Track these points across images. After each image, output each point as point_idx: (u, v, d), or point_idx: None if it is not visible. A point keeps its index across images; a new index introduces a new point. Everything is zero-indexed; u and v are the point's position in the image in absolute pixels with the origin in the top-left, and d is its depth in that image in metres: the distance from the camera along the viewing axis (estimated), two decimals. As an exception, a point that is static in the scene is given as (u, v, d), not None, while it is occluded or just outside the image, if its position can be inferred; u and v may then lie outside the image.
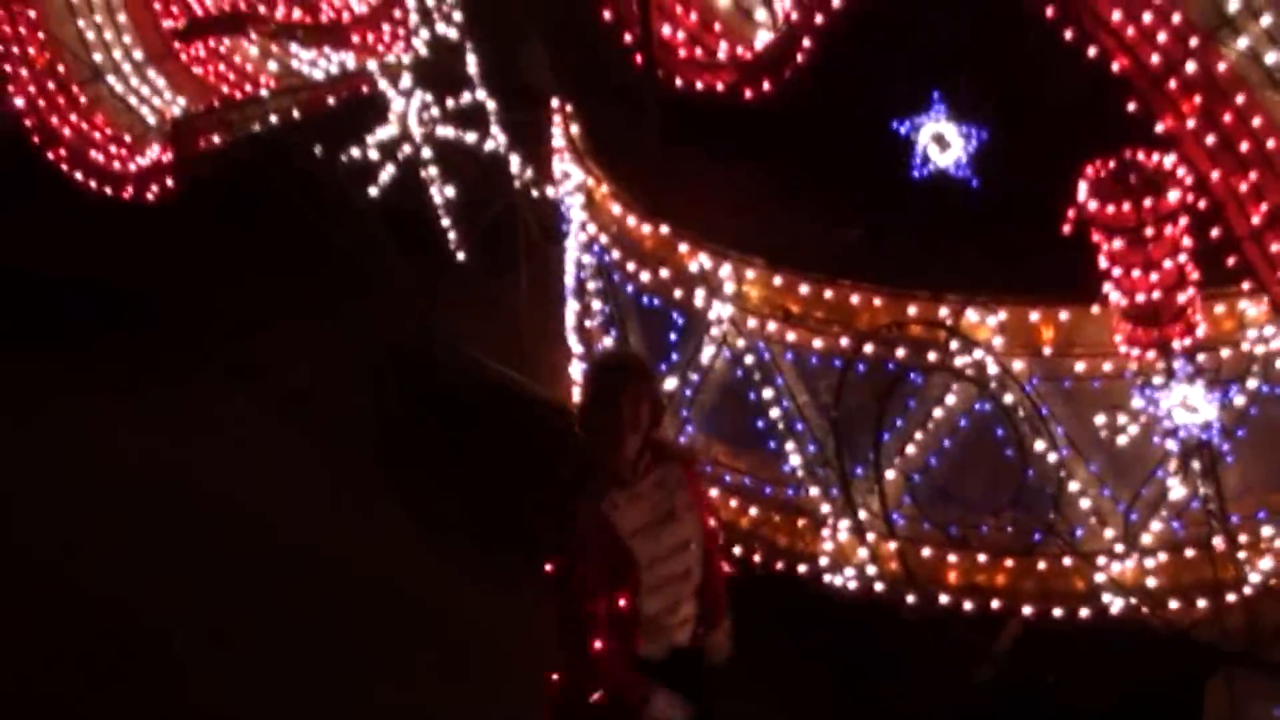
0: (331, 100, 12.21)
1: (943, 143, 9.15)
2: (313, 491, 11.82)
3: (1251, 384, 9.22)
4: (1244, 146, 8.89)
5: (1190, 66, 8.86)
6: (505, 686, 9.90)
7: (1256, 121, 8.92)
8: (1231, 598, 9.49)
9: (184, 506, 11.78)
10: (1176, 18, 8.88)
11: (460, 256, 11.47)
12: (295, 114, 12.38)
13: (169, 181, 12.35)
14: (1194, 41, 8.88)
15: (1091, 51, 8.86)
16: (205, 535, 11.52)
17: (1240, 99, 8.92)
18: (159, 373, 12.90)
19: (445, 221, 11.33)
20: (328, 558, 11.19)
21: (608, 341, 10.57)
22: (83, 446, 12.37)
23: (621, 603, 7.90)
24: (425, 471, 11.58)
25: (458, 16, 10.75)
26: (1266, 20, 9.04)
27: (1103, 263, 8.67)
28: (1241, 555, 9.46)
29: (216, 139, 12.45)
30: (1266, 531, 9.50)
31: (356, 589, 10.91)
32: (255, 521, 11.58)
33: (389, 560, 11.06)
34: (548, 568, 7.84)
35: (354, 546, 11.25)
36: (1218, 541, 9.39)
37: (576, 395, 9.41)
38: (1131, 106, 8.86)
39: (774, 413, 9.88)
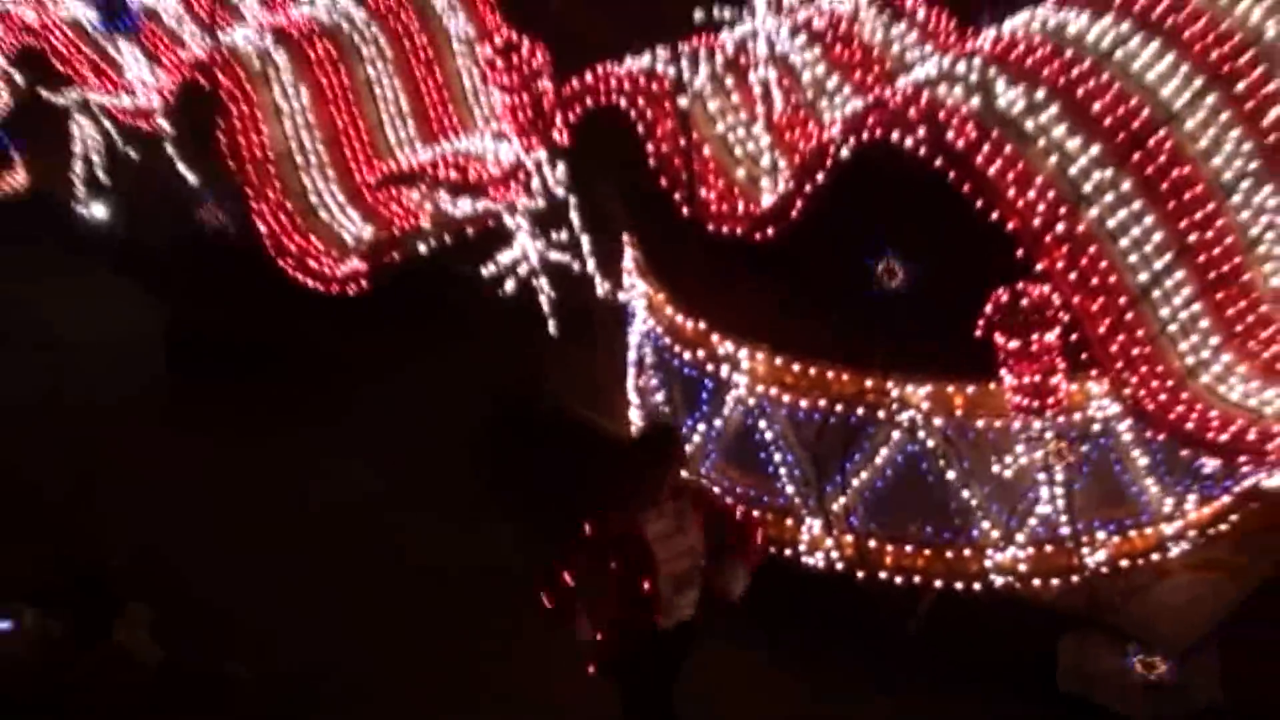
0: (470, 231, 12.22)
1: (893, 273, 9.11)
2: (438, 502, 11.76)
3: (1094, 437, 9.27)
4: (1094, 281, 8.91)
5: (1060, 227, 8.88)
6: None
7: (1102, 264, 8.95)
8: (1076, 579, 9.52)
9: (332, 516, 11.68)
10: (1050, 194, 8.91)
11: (556, 334, 11.19)
12: (447, 240, 12.44)
13: (363, 283, 12.39)
14: (1062, 210, 8.91)
15: (994, 215, 8.89)
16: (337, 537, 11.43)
17: (1092, 249, 8.94)
18: (341, 402, 12.84)
19: (548, 311, 11.15)
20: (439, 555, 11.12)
21: (659, 396, 10.55)
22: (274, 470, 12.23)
23: (645, 585, 8.15)
24: (527, 486, 11.48)
25: (562, 177, 10.62)
26: (1109, 198, 9.09)
27: (1000, 356, 8.69)
28: (1084, 549, 9.49)
29: (395, 255, 12.54)
30: (1100, 535, 9.53)
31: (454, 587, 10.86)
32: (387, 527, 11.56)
33: (486, 565, 10.94)
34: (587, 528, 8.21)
35: (461, 549, 11.16)
36: (1069, 540, 9.44)
37: (633, 441, 9.39)
38: (1020, 253, 8.86)
39: (773, 448, 9.89)
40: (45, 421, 12.91)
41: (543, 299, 11.30)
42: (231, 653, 9.90)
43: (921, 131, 9.01)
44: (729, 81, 10.35)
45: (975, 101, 9.15)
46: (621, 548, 8.15)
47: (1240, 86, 9.76)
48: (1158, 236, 9.18)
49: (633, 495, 8.24)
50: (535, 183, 10.88)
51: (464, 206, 11.98)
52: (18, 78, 14.50)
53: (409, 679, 10.12)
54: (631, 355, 10.87)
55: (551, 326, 11.37)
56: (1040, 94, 9.25)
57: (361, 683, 10.10)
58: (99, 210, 14.35)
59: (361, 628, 10.52)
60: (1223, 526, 9.75)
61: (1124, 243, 9.08)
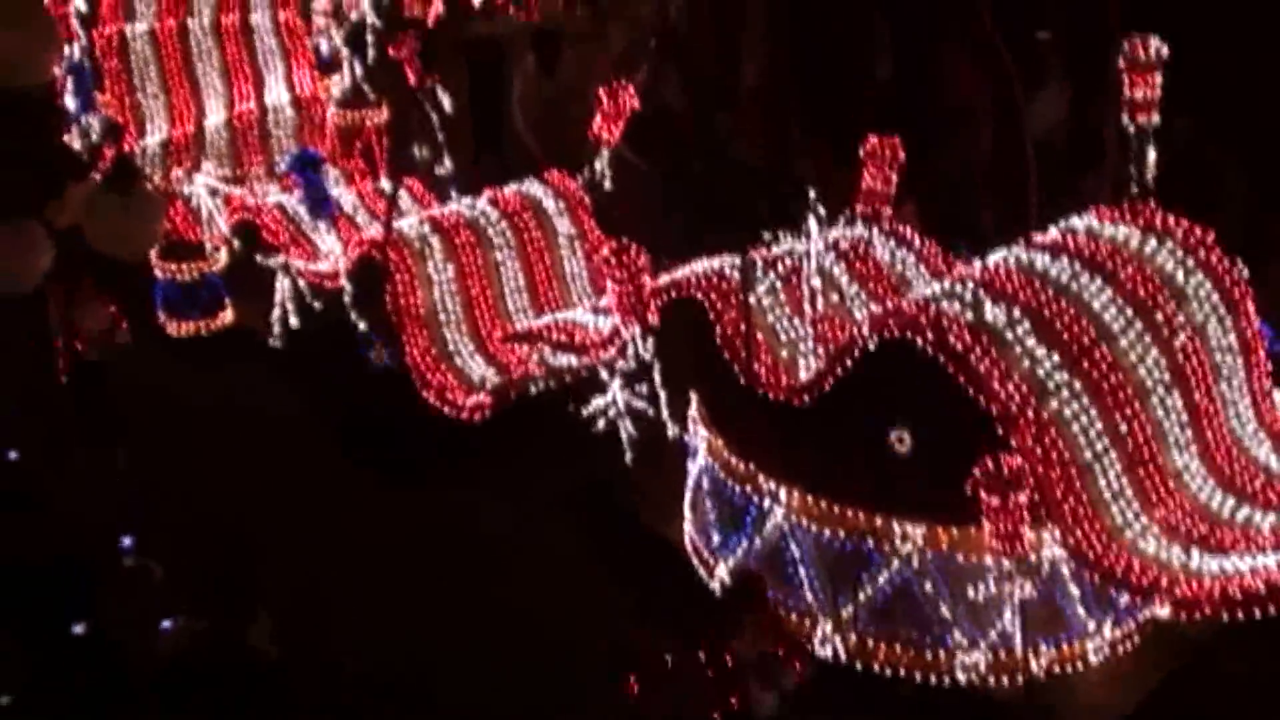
0: (569, 379, 12.07)
1: (902, 440, 9.01)
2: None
3: (1044, 573, 9.08)
4: (1052, 456, 8.82)
5: (1029, 413, 8.80)
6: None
7: (1059, 444, 8.85)
8: (1020, 679, 9.31)
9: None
10: (1023, 388, 8.85)
11: (633, 464, 11.06)
12: (551, 384, 12.31)
13: (486, 413, 12.25)
14: (1032, 401, 8.85)
15: (981, 401, 8.79)
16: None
17: (1052, 432, 8.85)
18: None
19: (628, 445, 11.02)
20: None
21: (711, 516, 10.34)
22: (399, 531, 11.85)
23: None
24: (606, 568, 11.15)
25: (649, 346, 10.46)
26: (1065, 394, 9.01)
27: (982, 509, 8.59)
28: (1029, 657, 9.28)
29: (512, 393, 12.39)
30: (1043, 649, 9.30)
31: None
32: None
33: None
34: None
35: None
36: (1020, 650, 9.24)
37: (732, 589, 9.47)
38: (1000, 431, 8.76)
39: (799, 564, 9.72)
40: (223, 468, 12.59)
41: (624, 436, 11.09)
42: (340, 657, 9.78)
43: (929, 334, 8.97)
44: (779, 284, 10.28)
45: (969, 315, 9.16)
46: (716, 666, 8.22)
47: (1158, 316, 9.76)
48: (1098, 425, 9.09)
49: (732, 629, 8.38)
50: (628, 349, 10.71)
51: (567, 361, 11.83)
52: (235, 244, 14.44)
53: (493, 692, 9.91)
54: (690, 483, 10.71)
55: (629, 458, 11.16)
56: (1016, 312, 9.23)
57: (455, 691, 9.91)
58: (286, 344, 14.14)
59: (460, 649, 10.28)
60: (1128, 644, 9.53)
61: (1075, 428, 8.98)
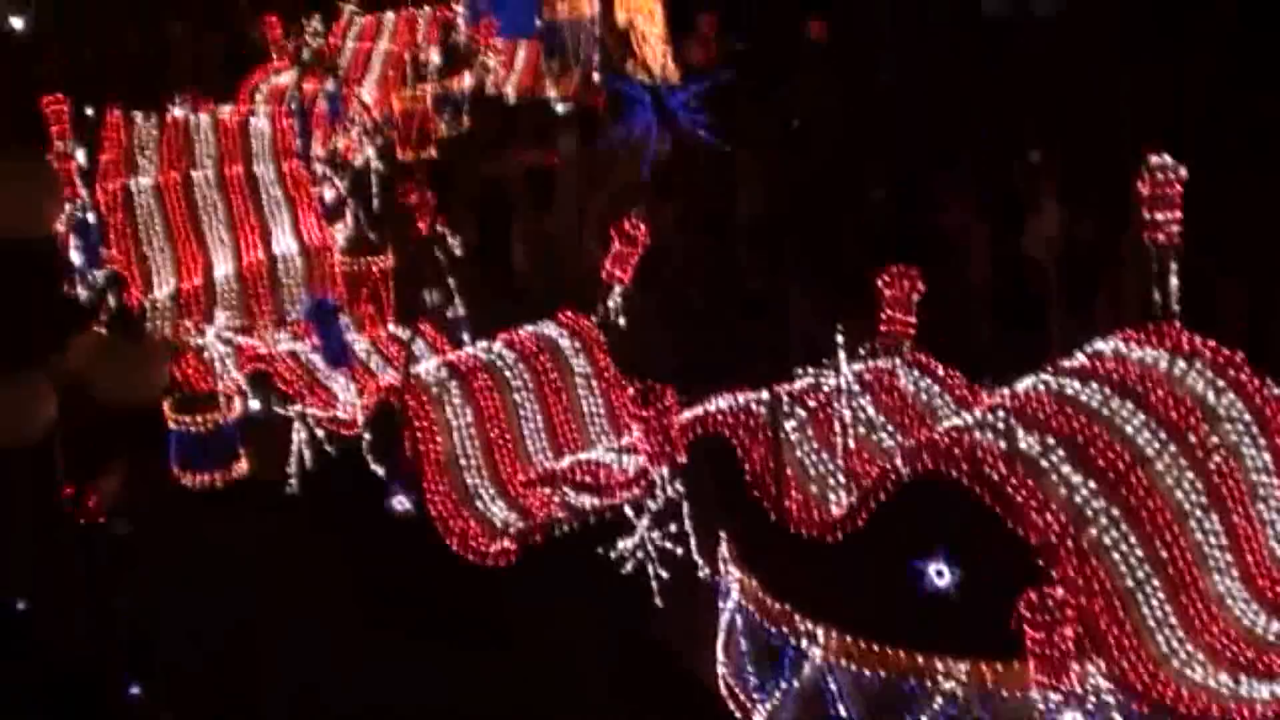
0: (593, 520, 11.90)
1: (940, 575, 8.90)
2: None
3: (1091, 705, 8.78)
4: (1094, 585, 8.71)
5: (1069, 542, 8.71)
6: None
7: (1101, 573, 8.75)
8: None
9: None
10: (1061, 516, 8.72)
11: (662, 605, 10.84)
12: (576, 526, 12.13)
13: (511, 557, 12.03)
14: (1070, 529, 8.74)
15: (1020, 531, 8.67)
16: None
17: (1093, 560, 8.75)
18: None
19: (656, 587, 10.76)
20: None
21: (746, 656, 10.13)
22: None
23: None
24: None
25: (678, 484, 10.34)
26: (1104, 520, 8.89)
27: (1028, 644, 8.40)
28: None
29: (536, 536, 12.19)
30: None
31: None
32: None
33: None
34: None
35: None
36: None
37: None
38: (1040, 561, 8.61)
39: (839, 704, 9.47)
40: (238, 618, 12.58)
41: (653, 577, 10.89)
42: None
43: (964, 466, 8.91)
44: (806, 418, 10.23)
45: (1003, 444, 9.10)
46: None
47: (1192, 438, 9.73)
48: (1139, 551, 9.00)
49: None
50: (656, 488, 10.61)
51: (591, 502, 11.69)
52: (249, 393, 14.38)
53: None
54: (723, 624, 10.54)
55: (658, 600, 10.94)
56: (1050, 440, 9.20)
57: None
58: (304, 491, 14.01)
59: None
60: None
61: (1115, 556, 8.91)
